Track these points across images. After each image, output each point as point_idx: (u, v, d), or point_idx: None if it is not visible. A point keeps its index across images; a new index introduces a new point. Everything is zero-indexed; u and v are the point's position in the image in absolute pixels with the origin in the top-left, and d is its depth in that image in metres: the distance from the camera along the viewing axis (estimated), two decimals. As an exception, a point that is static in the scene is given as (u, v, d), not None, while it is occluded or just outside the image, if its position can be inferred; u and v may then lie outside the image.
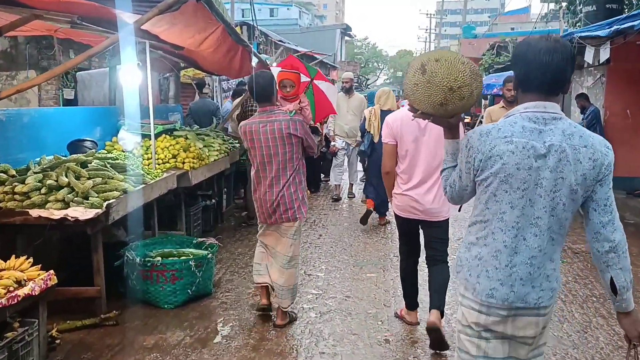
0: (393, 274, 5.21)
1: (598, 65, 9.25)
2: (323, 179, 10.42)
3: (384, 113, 5.91)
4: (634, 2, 14.44)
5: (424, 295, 4.20)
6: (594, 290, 4.88)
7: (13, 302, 2.98)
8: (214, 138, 6.81)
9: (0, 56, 9.53)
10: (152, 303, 4.30)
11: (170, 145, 5.77)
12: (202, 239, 4.87)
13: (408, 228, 3.94)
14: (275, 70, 4.60)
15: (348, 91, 8.54)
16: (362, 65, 50.53)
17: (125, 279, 4.37)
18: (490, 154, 1.90)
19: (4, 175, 4.03)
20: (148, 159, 5.41)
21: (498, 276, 1.93)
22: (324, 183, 10.29)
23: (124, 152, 5.42)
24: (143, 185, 4.55)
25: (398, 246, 4.23)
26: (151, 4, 3.80)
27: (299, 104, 4.27)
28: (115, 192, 4.08)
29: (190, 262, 4.31)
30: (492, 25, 36.62)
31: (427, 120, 3.59)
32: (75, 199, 3.90)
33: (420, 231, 3.99)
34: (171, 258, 4.46)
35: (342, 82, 8.89)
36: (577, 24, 13.78)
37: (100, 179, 4.16)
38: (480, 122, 13.59)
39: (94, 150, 4.91)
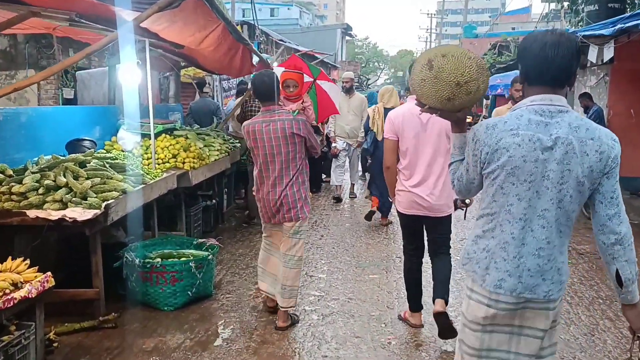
0: (396, 275, 5.14)
1: (601, 64, 9.18)
2: (324, 179, 10.35)
3: (388, 111, 5.87)
4: (636, 1, 14.37)
5: (427, 297, 4.14)
6: (600, 292, 4.81)
7: (9, 305, 2.91)
8: (214, 138, 6.75)
9: (-1, 55, 9.49)
10: (151, 305, 4.24)
11: (170, 145, 5.71)
12: (202, 240, 4.81)
13: (412, 225, 3.90)
14: (278, 70, 4.57)
15: (348, 91, 8.44)
16: (363, 65, 50.46)
17: (125, 280, 4.30)
18: (497, 147, 1.91)
19: (1, 175, 3.96)
20: (148, 158, 5.35)
21: (506, 267, 1.94)
22: (325, 183, 10.22)
23: (123, 151, 5.35)
24: (143, 186, 4.48)
25: (402, 246, 4.17)
26: (151, 0, 3.73)
27: (302, 103, 4.24)
28: (114, 192, 4.01)
29: (190, 264, 4.24)
30: (493, 25, 36.56)
31: (429, 117, 3.65)
32: (74, 199, 3.83)
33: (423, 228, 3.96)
34: (171, 259, 4.40)
35: (343, 82, 8.80)
36: (579, 24, 13.71)
37: (99, 179, 4.09)
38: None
39: (92, 150, 4.84)
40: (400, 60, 67.14)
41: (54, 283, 3.30)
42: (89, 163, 4.30)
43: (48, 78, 9.11)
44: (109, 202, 3.87)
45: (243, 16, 31.59)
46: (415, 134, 3.68)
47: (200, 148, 5.92)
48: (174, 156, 5.60)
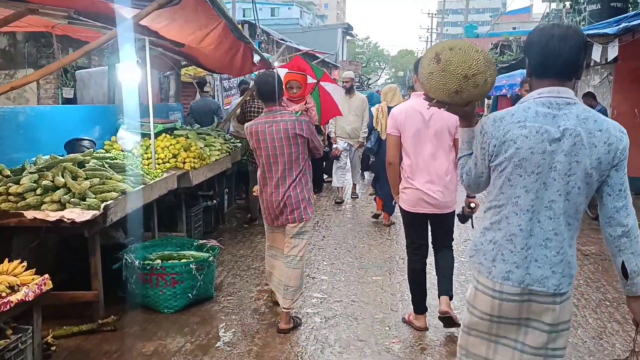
0: (399, 277, 5.07)
1: (605, 63, 9.10)
2: (326, 179, 10.28)
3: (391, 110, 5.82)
4: (639, 1, 14.30)
5: (431, 299, 4.09)
6: (607, 294, 4.74)
7: (5, 309, 2.84)
8: (215, 137, 6.68)
9: (-2, 55, 9.43)
10: (151, 307, 4.17)
11: (171, 145, 5.64)
12: (203, 241, 4.74)
13: (417, 223, 3.88)
14: (281, 72, 4.57)
15: (349, 91, 8.33)
16: (364, 64, 50.41)
17: (124, 282, 4.23)
18: (504, 139, 1.92)
19: (-1, 176, 3.90)
20: (148, 158, 5.29)
21: (514, 259, 1.95)
22: (327, 183, 10.15)
23: (123, 151, 5.29)
24: (142, 186, 4.41)
25: (404, 247, 4.13)
26: (150, -3, 3.67)
27: (304, 105, 4.22)
28: (113, 193, 3.94)
29: (191, 265, 4.17)
30: (494, 25, 36.49)
31: (431, 113, 3.63)
32: (72, 200, 3.76)
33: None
34: (171, 261, 4.33)
35: (343, 82, 8.71)
36: (581, 23, 13.64)
37: (98, 179, 4.03)
38: None
39: (92, 149, 4.77)
40: (401, 60, 67.00)
41: (51, 286, 3.24)
42: (88, 163, 4.24)
43: (47, 77, 9.06)
44: (108, 203, 3.80)
45: (244, 16, 31.51)
46: (418, 130, 3.69)
47: (200, 148, 5.85)
48: (174, 156, 5.54)
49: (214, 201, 6.66)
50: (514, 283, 1.93)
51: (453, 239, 3.97)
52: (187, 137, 5.90)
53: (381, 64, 66.67)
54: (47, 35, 8.73)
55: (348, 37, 39.64)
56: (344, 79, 8.73)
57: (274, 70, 4.96)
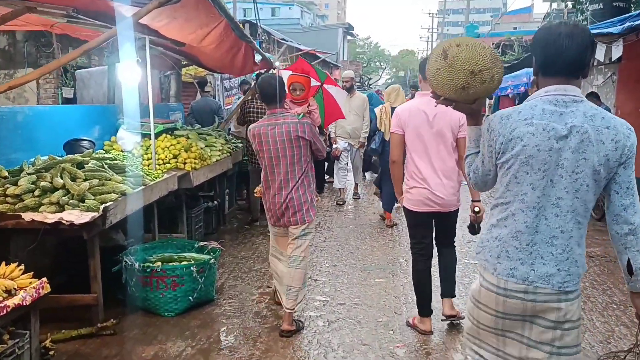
0: (403, 280, 5.00)
1: (609, 63, 9.03)
2: (327, 179, 10.21)
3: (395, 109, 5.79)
4: (642, 0, 14.23)
5: (435, 302, 4.03)
6: (614, 297, 4.67)
7: (2, 314, 2.78)
8: (216, 138, 6.62)
9: (-3, 54, 9.36)
10: (151, 311, 4.11)
11: (171, 145, 5.58)
12: (204, 243, 4.67)
13: (422, 222, 3.87)
14: (285, 74, 4.57)
15: (349, 90, 8.21)
16: (365, 64, 50.35)
17: (124, 285, 4.16)
18: (511, 136, 1.92)
19: (-4, 177, 3.83)
20: (148, 159, 5.22)
21: (518, 256, 1.95)
22: (328, 184, 10.08)
23: (123, 152, 5.22)
24: (142, 187, 4.35)
25: (407, 249, 4.10)
26: (150, -5, 3.60)
27: (307, 107, 4.21)
28: (112, 194, 3.87)
29: (191, 268, 4.11)
30: (495, 25, 36.42)
31: (435, 113, 3.62)
32: (71, 201, 3.69)
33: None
34: (172, 263, 4.27)
35: (343, 82, 8.62)
36: (583, 23, 13.57)
37: (97, 180, 3.96)
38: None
39: (91, 150, 4.70)
40: (401, 60, 66.97)
41: (49, 289, 3.18)
42: (87, 164, 4.16)
43: (47, 77, 8.99)
44: (107, 204, 3.74)
45: (244, 16, 31.46)
46: (422, 129, 3.71)
47: (201, 148, 5.79)
48: (175, 157, 5.48)
49: (215, 202, 6.59)
50: (518, 280, 1.93)
51: (456, 234, 4.03)
52: (188, 138, 5.84)
53: (382, 64, 66.58)
54: (46, 34, 8.66)
55: (349, 37, 39.58)
56: (344, 78, 8.66)
57: (275, 69, 4.94)
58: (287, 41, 18.46)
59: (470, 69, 1.99)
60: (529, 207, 1.93)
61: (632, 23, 7.38)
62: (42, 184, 3.76)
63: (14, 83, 3.62)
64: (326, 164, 9.65)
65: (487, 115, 16.76)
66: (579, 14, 14.51)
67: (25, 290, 2.99)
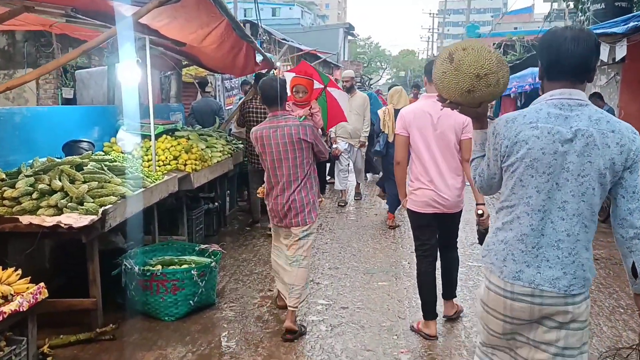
0: (406, 283, 4.93)
1: (612, 63, 8.96)
2: (328, 180, 10.14)
3: (398, 112, 5.74)
4: (644, 0, 14.16)
5: (440, 305, 3.98)
6: (620, 301, 4.60)
7: (-2, 320, 2.72)
8: (217, 138, 6.56)
9: (-3, 54, 9.31)
10: (151, 315, 4.04)
11: (172, 147, 5.52)
12: (205, 246, 4.61)
13: (427, 224, 3.85)
14: (288, 76, 4.55)
15: (349, 90, 8.13)
16: (365, 64, 50.29)
17: (123, 289, 4.10)
18: (516, 140, 1.94)
19: (-6, 179, 3.77)
20: (148, 160, 5.16)
21: (524, 258, 1.95)
22: (330, 185, 10.01)
23: (122, 153, 5.16)
24: (142, 189, 4.28)
25: (410, 251, 4.06)
26: (151, -5, 3.54)
27: (309, 110, 4.19)
28: (112, 197, 3.81)
29: (192, 271, 4.04)
30: (496, 25, 36.34)
31: (440, 115, 3.61)
32: (69, 204, 3.62)
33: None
34: (172, 267, 4.21)
35: (343, 82, 8.56)
36: (585, 23, 13.49)
37: (97, 182, 3.89)
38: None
39: (90, 151, 4.64)
40: (402, 60, 66.96)
41: (47, 294, 3.12)
42: (86, 166, 4.10)
43: (47, 77, 8.94)
44: (106, 207, 3.67)
45: (245, 16, 31.41)
46: (426, 131, 3.73)
47: (202, 149, 5.73)
48: (175, 158, 5.42)
49: (216, 203, 6.53)
50: (524, 283, 1.93)
51: (458, 235, 4.04)
52: (189, 139, 5.78)
53: (382, 64, 66.53)
54: (46, 34, 8.60)
55: (349, 37, 39.49)
56: (344, 78, 8.59)
57: (276, 70, 4.91)
58: (288, 41, 18.40)
59: (476, 72, 2.00)
60: (534, 210, 1.93)
61: (637, 23, 7.32)
62: (40, 186, 3.70)
63: (11, 84, 3.56)
64: (328, 165, 9.57)
65: (489, 117, 16.72)
66: (581, 14, 14.46)
67: (22, 295, 2.93)
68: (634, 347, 2.32)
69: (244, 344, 3.70)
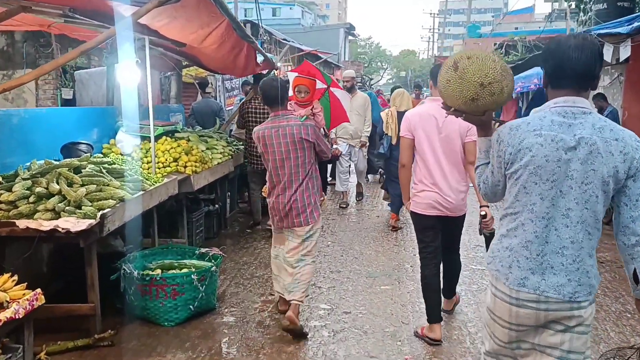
0: (409, 287, 4.86)
1: (616, 64, 8.88)
2: (329, 181, 10.07)
3: (401, 114, 5.69)
4: (646, -1, 14.08)
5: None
6: (627, 305, 4.53)
7: (-7, 328, 2.65)
8: (217, 140, 6.49)
9: (-4, 55, 9.24)
10: (151, 320, 3.97)
11: (172, 148, 5.45)
12: (205, 250, 4.53)
13: (431, 227, 3.81)
14: (291, 76, 4.52)
15: (350, 90, 8.04)
16: (366, 65, 50.22)
17: (122, 294, 4.03)
18: (520, 147, 1.96)
19: (-10, 182, 3.70)
20: (147, 162, 5.10)
21: (529, 265, 1.96)
22: (331, 185, 9.94)
23: (121, 155, 5.09)
24: (141, 192, 4.21)
25: (413, 254, 4.01)
26: (150, -6, 3.47)
27: (311, 109, 4.15)
28: (110, 200, 3.74)
29: (192, 276, 3.98)
30: (496, 25, 36.29)
31: (444, 119, 3.57)
32: (67, 208, 3.55)
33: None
34: (172, 271, 4.14)
35: (344, 81, 8.47)
36: (587, 23, 13.43)
37: (95, 186, 3.82)
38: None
39: (89, 154, 4.57)
40: (403, 60, 66.87)
41: (44, 301, 3.05)
42: (85, 168, 4.03)
43: (46, 78, 8.87)
44: (104, 211, 3.60)
45: (245, 16, 31.35)
46: (431, 134, 3.71)
47: (202, 151, 5.66)
48: (175, 160, 5.35)
49: (216, 206, 6.47)
50: (530, 289, 1.95)
51: (460, 240, 4.07)
52: (189, 140, 5.71)
53: (383, 64, 66.46)
54: (45, 35, 8.53)
55: (350, 37, 39.40)
56: (345, 78, 8.52)
57: (277, 70, 4.86)
58: (289, 41, 18.32)
59: (480, 81, 2.02)
60: (538, 217, 1.95)
61: (641, 23, 7.24)
62: (38, 189, 3.63)
63: (9, 85, 3.49)
64: (329, 165, 9.50)
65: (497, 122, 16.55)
66: (583, 14, 14.39)
67: (19, 302, 2.86)
68: (635, 347, 2.33)
69: (245, 350, 3.64)
